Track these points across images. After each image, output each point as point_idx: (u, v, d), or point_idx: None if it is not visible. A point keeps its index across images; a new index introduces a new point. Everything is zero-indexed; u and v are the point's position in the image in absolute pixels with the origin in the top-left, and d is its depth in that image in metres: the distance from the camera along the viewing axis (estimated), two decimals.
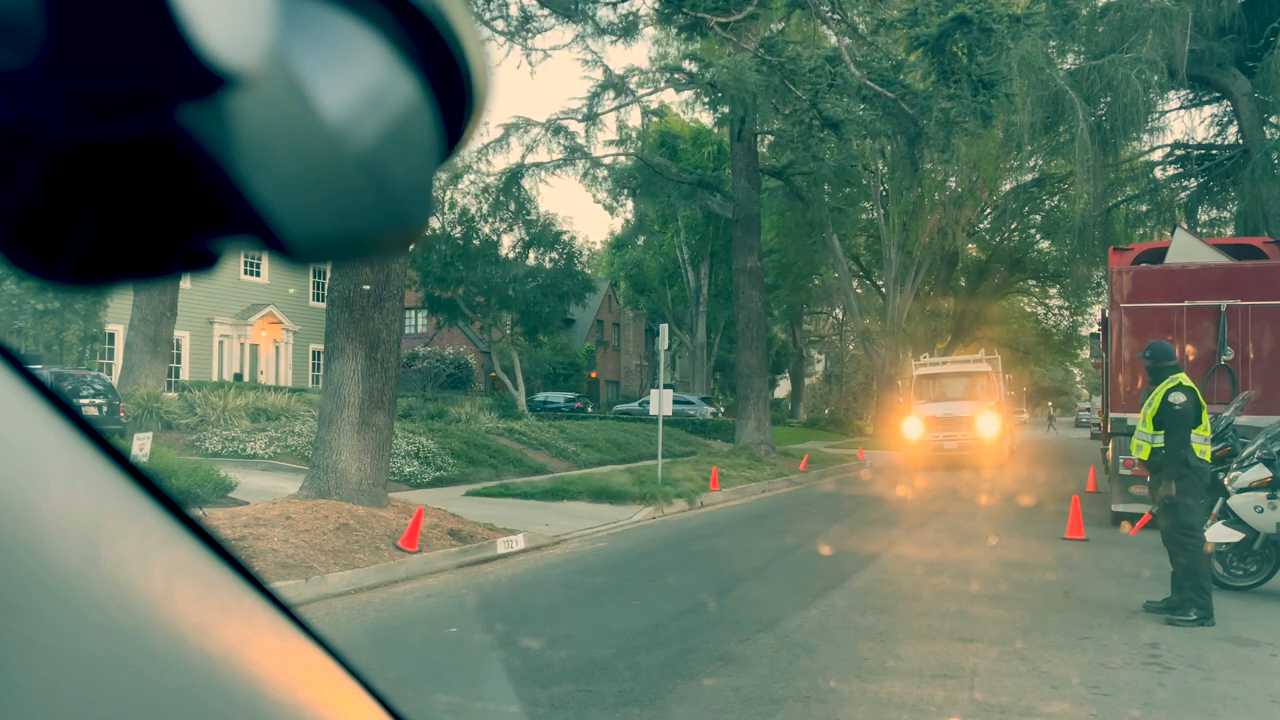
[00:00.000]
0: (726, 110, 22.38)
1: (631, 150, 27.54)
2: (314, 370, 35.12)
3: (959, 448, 24.41)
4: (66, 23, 0.37)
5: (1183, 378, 7.56)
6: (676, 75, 23.18)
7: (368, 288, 10.56)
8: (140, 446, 10.44)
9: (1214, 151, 24.54)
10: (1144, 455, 7.57)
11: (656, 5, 17.86)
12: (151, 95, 0.39)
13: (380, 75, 0.47)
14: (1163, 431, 7.37)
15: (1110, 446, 13.86)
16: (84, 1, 0.37)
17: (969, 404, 25.15)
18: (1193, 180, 25.28)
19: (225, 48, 0.38)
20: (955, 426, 24.61)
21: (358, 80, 0.46)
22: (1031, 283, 46.37)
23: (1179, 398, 7.34)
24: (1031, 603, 7.88)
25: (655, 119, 30.57)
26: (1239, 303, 12.58)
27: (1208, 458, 7.53)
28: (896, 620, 7.24)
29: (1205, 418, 7.50)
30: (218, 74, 0.39)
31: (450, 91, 0.51)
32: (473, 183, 27.04)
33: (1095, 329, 21.63)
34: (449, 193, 27.38)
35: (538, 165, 23.12)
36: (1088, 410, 63.85)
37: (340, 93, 0.45)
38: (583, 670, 5.75)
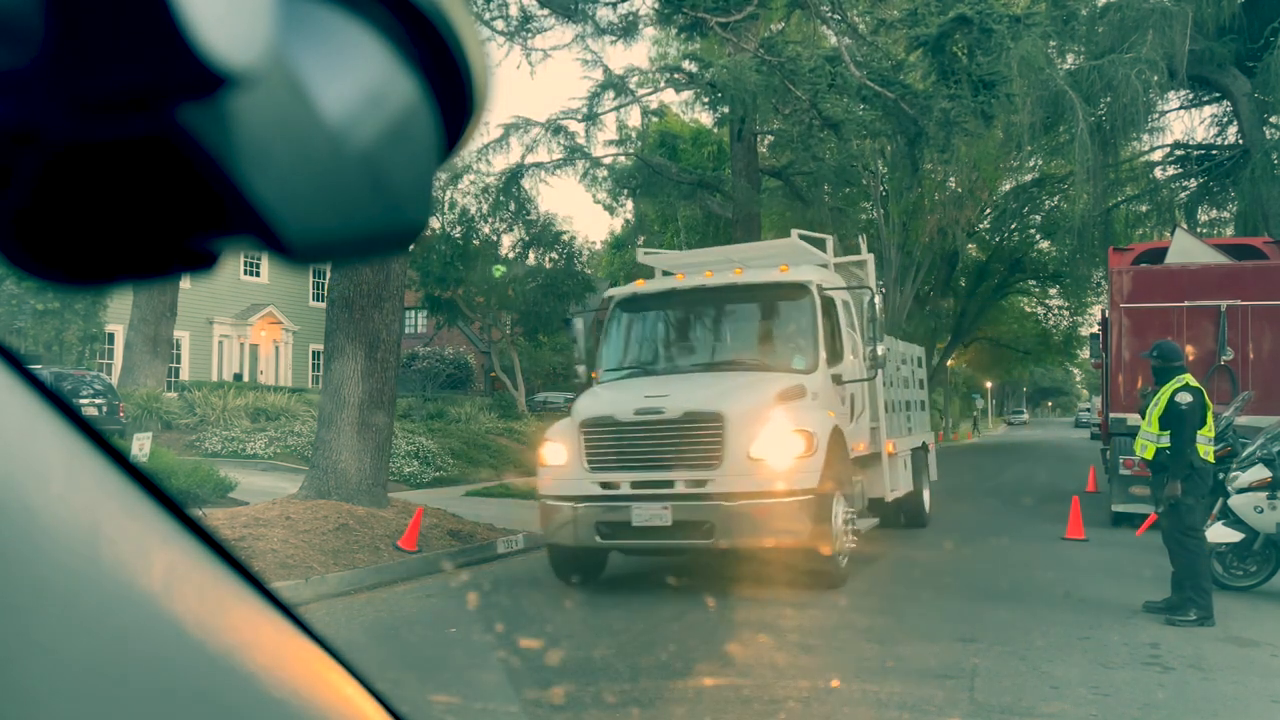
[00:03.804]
0: (726, 110, 22.37)
1: (631, 150, 27.55)
2: (314, 370, 35.11)
3: (676, 527, 8.00)
4: (66, 23, 0.37)
5: (1189, 378, 7.57)
6: (676, 75, 23.18)
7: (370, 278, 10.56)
8: (139, 446, 10.45)
9: (1214, 151, 24.53)
10: (1149, 455, 7.56)
11: (656, 5, 17.85)
12: (151, 95, 0.39)
13: (380, 75, 0.47)
14: (1168, 432, 7.37)
15: (1110, 446, 13.85)
16: (84, 1, 0.37)
17: (735, 381, 8.75)
18: (1193, 180, 25.27)
19: (225, 48, 0.38)
20: (671, 454, 8.19)
21: (358, 80, 0.46)
22: (1031, 283, 46.34)
23: (1185, 398, 7.34)
24: (1031, 603, 7.87)
25: (655, 119, 30.55)
26: (1239, 303, 12.58)
27: (1211, 458, 7.53)
28: (896, 620, 7.23)
29: (1210, 418, 7.50)
30: (218, 74, 0.39)
31: (450, 91, 0.51)
32: (473, 183, 27.07)
33: (1095, 329, 21.62)
34: (449, 193, 27.39)
35: (537, 165, 23.12)
36: (1087, 410, 63.78)
37: (340, 93, 0.45)
38: (583, 670, 5.75)
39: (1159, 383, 7.68)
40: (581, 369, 9.98)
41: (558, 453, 8.60)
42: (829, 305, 9.50)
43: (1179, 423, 7.32)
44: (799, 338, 9.33)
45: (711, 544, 7.98)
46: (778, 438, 8.02)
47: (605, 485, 8.29)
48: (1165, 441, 7.39)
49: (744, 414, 8.10)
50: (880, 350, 9.27)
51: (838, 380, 9.29)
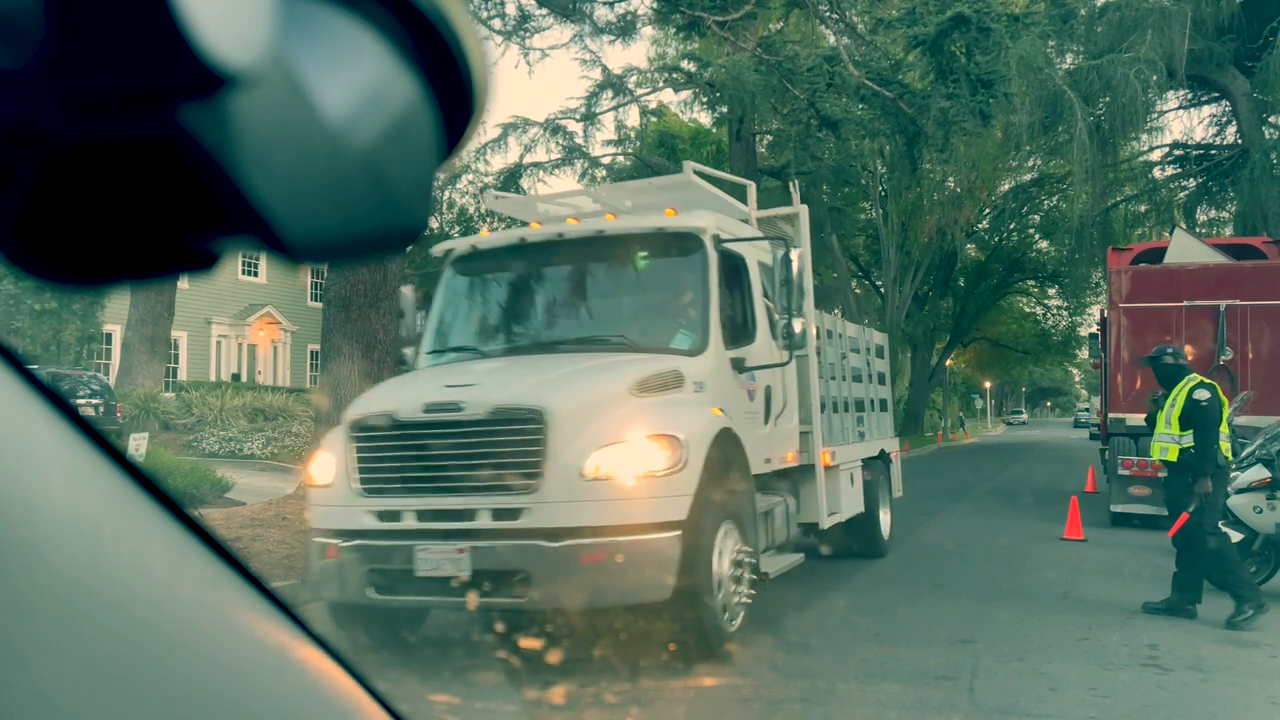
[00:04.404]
0: (725, 110, 22.41)
1: (630, 150, 27.57)
2: (312, 370, 35.10)
3: (477, 578, 5.57)
4: (66, 23, 0.37)
5: (1200, 376, 7.55)
6: (675, 75, 23.19)
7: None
8: (135, 447, 10.44)
9: (1213, 151, 24.55)
10: (1171, 457, 7.45)
11: (654, 5, 17.85)
12: (151, 95, 0.39)
13: (380, 75, 0.47)
14: (1190, 430, 7.31)
15: (1109, 447, 13.86)
16: (84, 1, 0.37)
17: (576, 365, 6.35)
18: (1192, 180, 25.29)
19: (225, 48, 0.38)
20: (473, 471, 5.68)
21: (358, 80, 0.46)
22: (1030, 283, 46.41)
23: (1204, 394, 7.28)
24: (1031, 603, 7.88)
25: (654, 119, 30.55)
26: (1238, 303, 12.59)
27: (1229, 455, 7.50)
28: (896, 620, 7.24)
29: (1225, 413, 7.47)
30: (218, 74, 0.39)
31: (450, 91, 0.51)
32: (471, 183, 27.08)
33: (1094, 329, 21.64)
34: (447, 193, 27.41)
35: (536, 165, 23.15)
36: (1086, 410, 63.83)
37: (340, 93, 0.45)
38: (583, 670, 5.75)
39: (1167, 384, 7.64)
40: (409, 351, 7.51)
41: (325, 468, 6.02)
42: (732, 264, 7.00)
43: (1203, 419, 7.22)
44: (687, 307, 6.74)
45: (526, 604, 5.55)
46: (627, 446, 5.58)
47: (382, 516, 5.77)
48: (1188, 441, 7.32)
49: (578, 412, 5.63)
50: (798, 325, 6.68)
51: (740, 367, 6.75)
